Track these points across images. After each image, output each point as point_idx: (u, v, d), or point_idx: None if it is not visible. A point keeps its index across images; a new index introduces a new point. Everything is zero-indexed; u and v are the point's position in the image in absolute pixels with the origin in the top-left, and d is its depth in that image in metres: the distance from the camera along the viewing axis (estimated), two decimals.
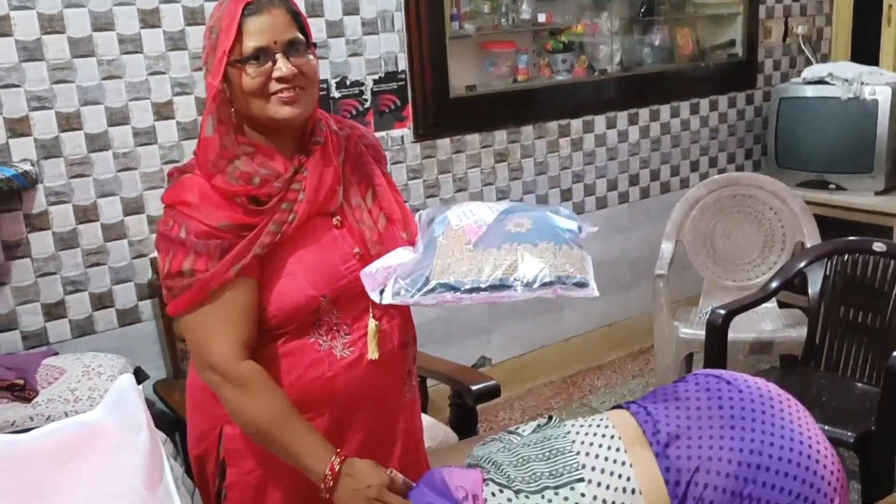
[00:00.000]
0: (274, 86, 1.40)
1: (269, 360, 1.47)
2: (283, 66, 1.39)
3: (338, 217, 1.52)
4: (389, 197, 1.58)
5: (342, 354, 1.50)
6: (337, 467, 1.39)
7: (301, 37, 1.43)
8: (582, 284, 1.34)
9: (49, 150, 2.36)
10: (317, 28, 2.75)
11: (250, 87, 1.40)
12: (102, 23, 2.38)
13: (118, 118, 2.44)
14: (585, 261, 1.37)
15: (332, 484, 1.39)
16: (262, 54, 1.39)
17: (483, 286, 1.34)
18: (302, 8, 2.60)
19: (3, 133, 2.29)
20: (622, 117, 3.59)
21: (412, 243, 1.52)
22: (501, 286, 1.34)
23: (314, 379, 1.49)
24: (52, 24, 2.31)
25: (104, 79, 2.40)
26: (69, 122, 2.37)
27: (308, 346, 1.49)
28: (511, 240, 1.39)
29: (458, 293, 1.36)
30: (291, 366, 1.49)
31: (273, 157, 1.46)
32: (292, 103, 1.42)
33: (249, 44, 1.38)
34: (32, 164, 2.33)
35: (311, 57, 1.45)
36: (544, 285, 1.32)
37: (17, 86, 2.29)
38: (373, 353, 1.50)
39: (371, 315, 1.51)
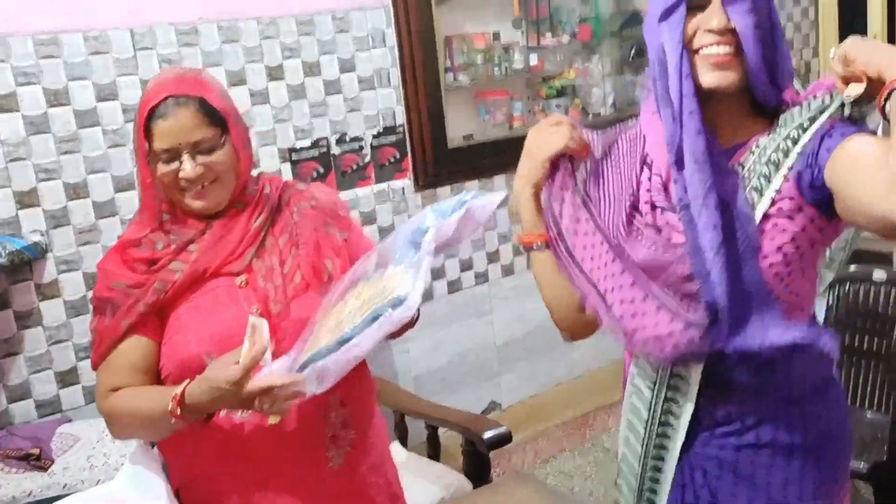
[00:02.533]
0: (183, 182, 1.48)
1: (189, 427, 1.44)
2: (187, 167, 1.46)
3: (243, 277, 1.53)
4: (320, 257, 1.56)
5: (242, 416, 1.47)
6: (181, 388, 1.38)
7: (209, 134, 1.47)
8: (396, 304, 1.24)
9: (58, 219, 2.41)
10: (315, 87, 2.82)
11: (163, 182, 1.49)
12: (106, 93, 2.44)
13: (124, 184, 2.49)
14: (407, 273, 1.27)
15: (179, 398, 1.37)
16: (168, 154, 1.46)
17: (326, 354, 1.28)
18: (298, 69, 2.73)
19: (12, 205, 2.34)
20: None
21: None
22: (343, 343, 1.27)
23: (221, 441, 1.50)
24: (57, 98, 2.37)
25: (109, 147, 2.46)
26: (77, 192, 2.43)
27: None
28: (351, 284, 1.35)
29: (319, 363, 1.29)
30: (202, 431, 1.47)
31: (185, 222, 1.54)
32: (202, 198, 1.50)
33: (156, 145, 1.46)
34: (42, 235, 2.37)
35: (221, 152, 1.48)
36: (372, 325, 1.24)
37: (25, 159, 2.35)
38: (271, 419, 1.40)
39: None
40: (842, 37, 4.17)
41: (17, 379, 2.39)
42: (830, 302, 2.70)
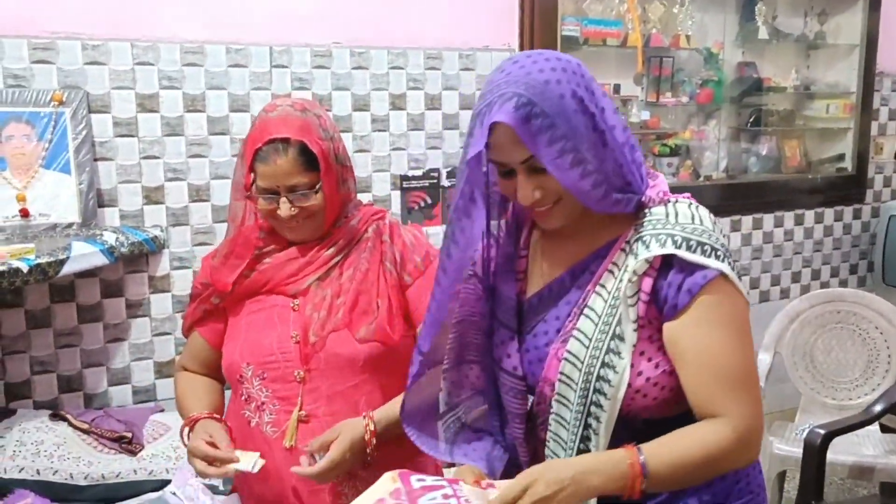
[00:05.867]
0: (280, 217, 1.54)
1: None
2: (283, 208, 1.52)
3: (297, 301, 1.59)
4: (374, 295, 1.58)
5: (267, 431, 1.56)
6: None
7: (306, 179, 1.51)
8: None
9: (178, 218, 2.53)
10: (434, 119, 2.89)
11: (263, 212, 1.57)
12: (239, 104, 2.56)
13: None
14: None
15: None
16: (268, 193, 1.53)
17: None
18: (420, 100, 2.80)
19: (139, 200, 2.47)
20: (724, 223, 3.59)
21: (366, 340, 1.54)
22: None
23: (243, 446, 1.58)
24: (194, 104, 2.50)
25: (234, 155, 2.57)
26: (199, 194, 2.54)
27: (240, 414, 1.60)
28: None
29: None
30: (236, 427, 1.61)
31: (276, 236, 1.63)
32: (295, 231, 1.58)
33: (259, 182, 1.53)
34: (162, 230, 2.50)
35: (315, 195, 1.53)
36: None
37: (158, 157, 2.48)
38: (287, 441, 1.53)
39: (298, 404, 1.54)
40: None
41: (119, 364, 2.50)
42: None
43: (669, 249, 1.18)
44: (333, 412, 1.54)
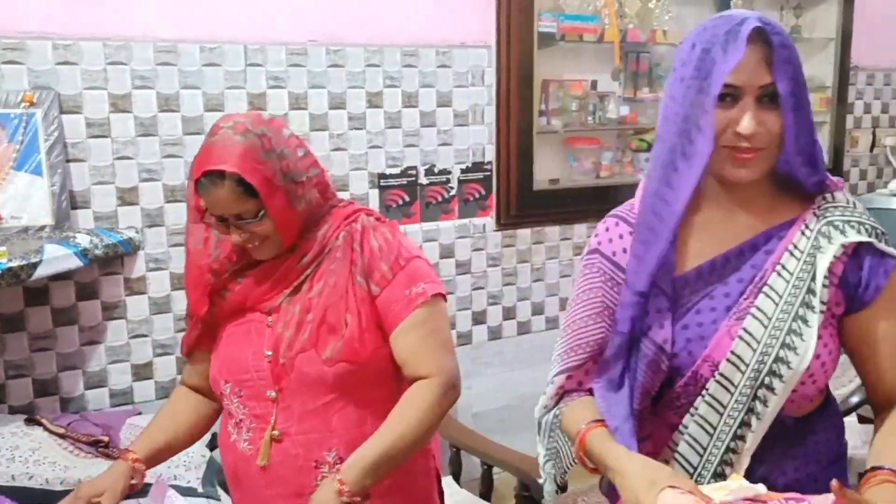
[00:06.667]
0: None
1: None
2: (234, 237, 1.50)
3: (272, 317, 1.57)
4: (343, 309, 1.54)
5: (243, 448, 1.57)
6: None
7: (248, 207, 1.46)
8: None
9: (153, 219, 2.51)
10: (411, 117, 2.88)
11: (222, 236, 1.55)
12: (214, 104, 2.54)
13: None
14: None
15: None
16: (219, 220, 1.50)
17: None
18: (397, 97, 2.79)
19: (114, 201, 2.44)
20: None
21: (333, 361, 1.51)
22: None
23: (224, 459, 1.64)
24: (168, 103, 2.48)
25: None
26: (174, 194, 2.52)
27: (226, 429, 1.62)
28: None
29: None
30: (222, 442, 1.65)
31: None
32: (255, 252, 1.54)
33: (208, 210, 1.51)
34: (137, 232, 2.47)
35: (261, 222, 1.48)
36: None
37: (131, 158, 2.45)
38: (261, 460, 1.52)
39: (272, 423, 1.53)
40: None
41: (96, 367, 2.48)
42: None
43: (865, 238, 1.22)
44: (305, 431, 1.53)
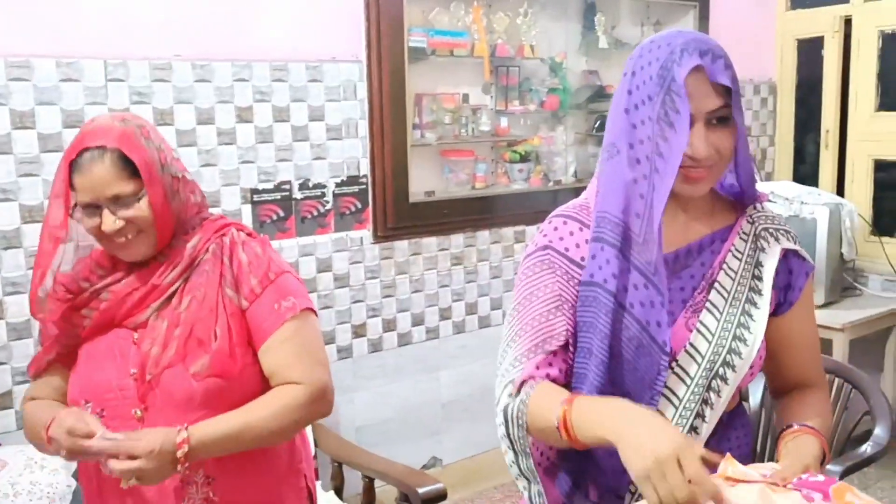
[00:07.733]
0: (107, 234, 1.48)
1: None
2: (107, 221, 1.46)
3: (137, 333, 1.54)
4: (212, 323, 1.52)
5: (108, 471, 1.46)
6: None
7: (128, 189, 1.45)
8: None
9: (10, 241, 2.39)
10: (283, 132, 2.86)
11: (89, 231, 1.51)
12: (73, 120, 2.45)
13: None
14: None
15: None
16: (90, 207, 1.47)
17: None
18: (267, 112, 2.77)
19: None
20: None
21: (202, 376, 1.49)
22: None
23: (89, 479, 1.58)
24: (23, 121, 2.38)
25: None
26: (31, 215, 2.41)
27: None
28: None
29: None
30: (82, 465, 1.60)
31: (114, 262, 1.57)
32: (126, 249, 1.51)
33: (79, 198, 1.47)
34: None
35: (140, 205, 1.46)
36: None
37: None
38: (124, 483, 1.41)
39: None
40: (797, 126, 4.33)
41: None
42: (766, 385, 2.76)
43: (793, 245, 1.41)
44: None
